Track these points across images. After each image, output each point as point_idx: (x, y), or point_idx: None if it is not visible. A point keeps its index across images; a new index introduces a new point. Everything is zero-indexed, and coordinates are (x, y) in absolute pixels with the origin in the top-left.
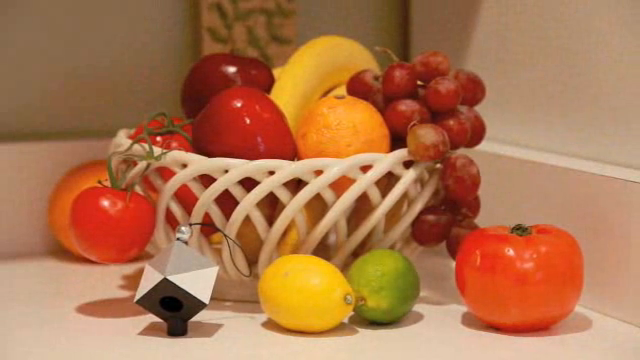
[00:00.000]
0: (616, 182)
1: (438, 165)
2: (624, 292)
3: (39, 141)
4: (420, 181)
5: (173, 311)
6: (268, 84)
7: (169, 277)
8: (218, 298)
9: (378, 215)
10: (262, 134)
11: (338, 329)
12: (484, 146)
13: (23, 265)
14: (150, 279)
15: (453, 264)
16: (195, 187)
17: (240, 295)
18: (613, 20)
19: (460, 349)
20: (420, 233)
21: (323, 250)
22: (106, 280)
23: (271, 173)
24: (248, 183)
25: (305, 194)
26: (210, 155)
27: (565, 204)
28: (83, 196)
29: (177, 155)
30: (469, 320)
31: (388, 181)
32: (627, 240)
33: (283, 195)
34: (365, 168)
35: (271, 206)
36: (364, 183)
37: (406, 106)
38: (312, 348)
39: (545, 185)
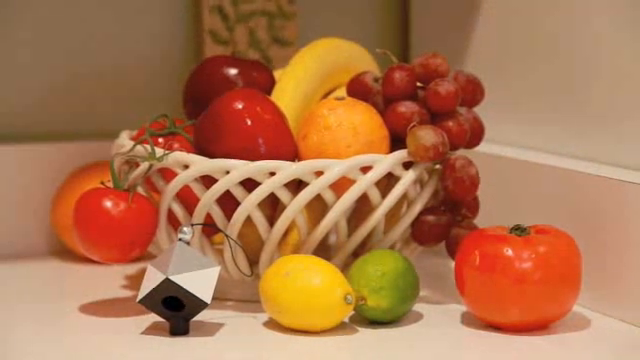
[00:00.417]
0: (613, 182)
1: (437, 166)
2: (622, 291)
3: (43, 142)
4: (420, 182)
5: (175, 311)
6: (269, 86)
7: (171, 277)
8: (220, 298)
9: (378, 215)
10: (263, 135)
11: (339, 328)
12: (483, 147)
13: (27, 265)
14: (152, 279)
15: (452, 264)
16: (197, 188)
17: (241, 295)
18: (610, 22)
19: (459, 348)
20: (420, 233)
21: (324, 250)
22: (109, 280)
23: (272, 174)
24: (249, 184)
25: (306, 195)
26: (212, 156)
27: (563, 204)
28: (86, 197)
29: (179, 156)
30: (468, 319)
31: (388, 182)
32: (625, 240)
33: (284, 196)
34: (365, 169)
35: (272, 207)
36: (364, 184)
37: (406, 107)
38: (313, 347)
39: (543, 186)
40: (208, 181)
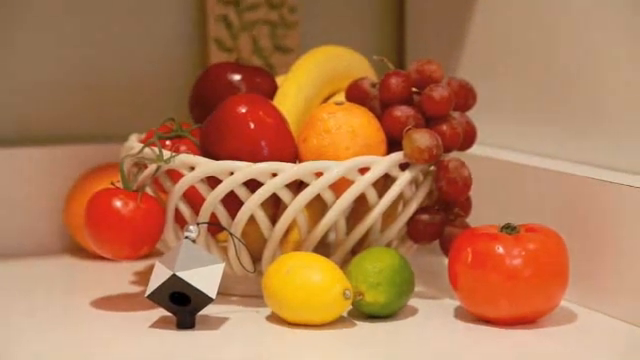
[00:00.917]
0: (598, 183)
1: (432, 167)
2: (607, 288)
3: (56, 145)
4: (415, 182)
5: (182, 305)
6: (271, 91)
7: (178, 273)
8: (224, 293)
9: (375, 215)
10: (265, 138)
11: (338, 322)
12: (475, 150)
13: (41, 262)
14: (160, 275)
15: (446, 261)
16: (202, 188)
17: (245, 290)
18: (601, 27)
19: (453, 341)
20: (415, 232)
21: (323, 248)
22: (119, 276)
23: (274, 175)
24: (252, 184)
25: (306, 195)
26: (217, 158)
27: (551, 204)
28: (97, 197)
29: (185, 158)
30: (461, 314)
31: (385, 182)
32: (611, 239)
33: (285, 196)
34: (363, 170)
35: (274, 206)
36: (362, 184)
37: (401, 112)
38: (313, 340)
39: (532, 186)
40: (213, 182)
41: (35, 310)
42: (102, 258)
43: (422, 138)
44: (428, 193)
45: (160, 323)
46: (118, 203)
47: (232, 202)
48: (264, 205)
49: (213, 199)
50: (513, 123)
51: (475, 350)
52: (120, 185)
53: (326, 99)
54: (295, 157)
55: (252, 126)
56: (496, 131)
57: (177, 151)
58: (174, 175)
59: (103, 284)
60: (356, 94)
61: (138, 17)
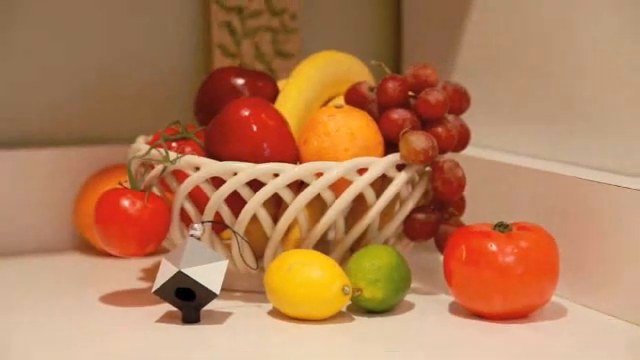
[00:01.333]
0: (587, 184)
1: (428, 168)
2: (596, 283)
3: (66, 147)
4: (411, 183)
5: (187, 301)
6: (273, 95)
7: (183, 270)
8: (228, 289)
9: (373, 214)
10: (267, 140)
11: (337, 317)
12: (469, 151)
13: (51, 259)
14: (166, 272)
15: (441, 258)
16: (207, 188)
17: (248, 286)
18: (594, 31)
19: (448, 335)
20: (411, 230)
21: (323, 246)
22: (126, 272)
23: (276, 175)
24: (255, 184)
25: (307, 194)
26: (221, 159)
27: (542, 204)
28: (105, 197)
29: (190, 159)
30: (456, 309)
31: (382, 183)
32: (600, 236)
33: (287, 195)
34: (361, 171)
35: (276, 205)
36: (360, 184)
37: (398, 115)
38: (313, 334)
39: (524, 186)
40: (217, 182)
41: (46, 304)
42: (110, 255)
43: (418, 140)
44: (424, 193)
45: (166, 318)
46: (126, 202)
47: (235, 201)
48: (266, 204)
49: (217, 198)
50: (506, 125)
51: (469, 343)
52: (128, 185)
53: (326, 102)
54: (296, 158)
55: (255, 128)
56: (489, 133)
57: (183, 152)
58: (180, 175)
59: (111, 280)
60: (355, 98)
61: (145, 25)
